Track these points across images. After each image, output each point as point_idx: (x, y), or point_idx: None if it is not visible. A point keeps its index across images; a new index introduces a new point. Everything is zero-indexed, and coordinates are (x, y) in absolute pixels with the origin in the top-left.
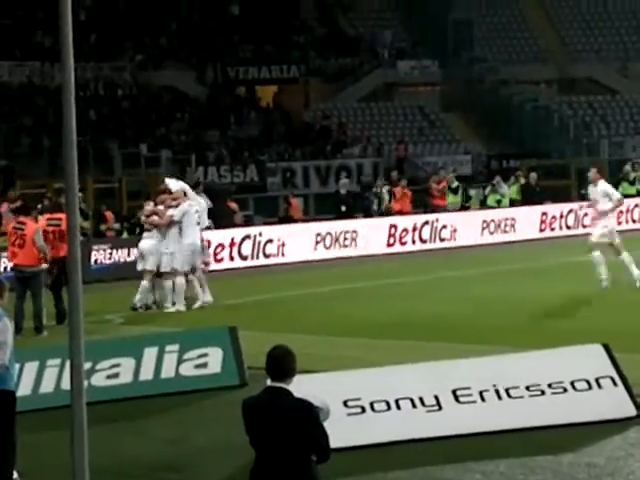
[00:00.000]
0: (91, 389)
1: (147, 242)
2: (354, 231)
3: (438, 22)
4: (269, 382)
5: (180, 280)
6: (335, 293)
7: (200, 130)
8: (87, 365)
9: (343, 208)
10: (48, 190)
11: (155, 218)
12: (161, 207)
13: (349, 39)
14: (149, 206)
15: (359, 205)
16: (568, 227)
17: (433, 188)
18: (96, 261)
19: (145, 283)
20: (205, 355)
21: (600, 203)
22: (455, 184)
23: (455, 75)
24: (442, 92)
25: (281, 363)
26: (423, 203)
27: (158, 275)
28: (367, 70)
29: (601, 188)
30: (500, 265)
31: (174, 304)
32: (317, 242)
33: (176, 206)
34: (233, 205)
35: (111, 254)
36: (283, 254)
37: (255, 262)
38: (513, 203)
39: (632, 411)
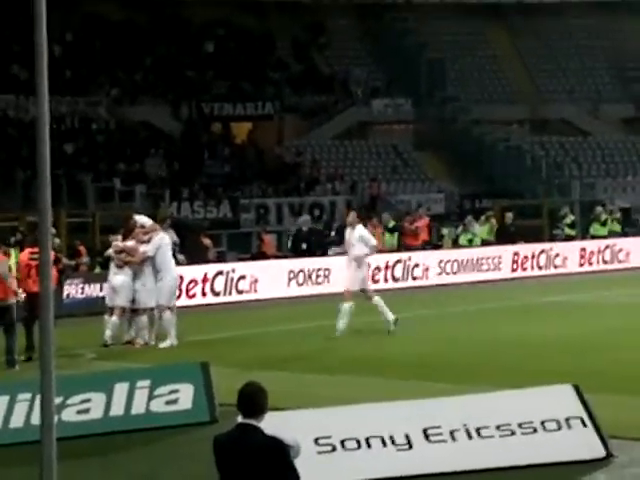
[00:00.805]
0: (61, 424)
1: (118, 278)
2: (327, 268)
3: (412, 61)
4: (240, 419)
5: (168, 314)
6: (308, 330)
7: (174, 166)
8: (58, 400)
9: (304, 246)
10: (20, 223)
11: (123, 255)
12: (130, 243)
13: (324, 76)
14: (117, 241)
15: (320, 242)
16: (540, 267)
17: (406, 227)
18: (68, 295)
19: (115, 319)
20: (176, 391)
21: (356, 248)
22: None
23: (428, 114)
24: (415, 131)
25: (253, 400)
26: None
27: (133, 311)
28: (341, 108)
29: (358, 232)
30: (472, 304)
31: (157, 340)
32: (290, 279)
33: (148, 241)
34: (206, 241)
35: (83, 288)
36: (256, 290)
37: (228, 298)
38: (484, 243)
39: (601, 452)
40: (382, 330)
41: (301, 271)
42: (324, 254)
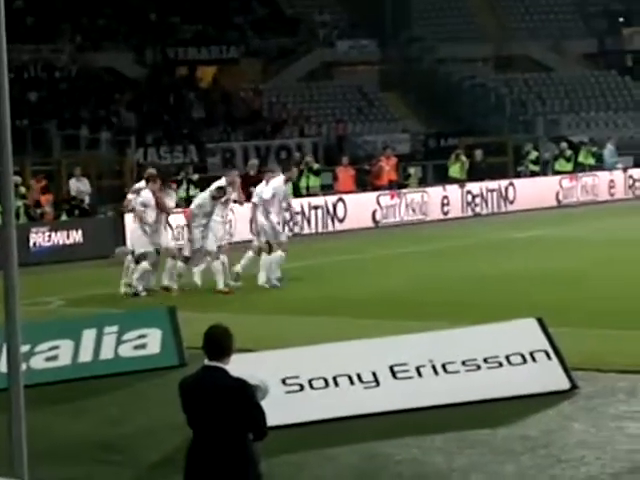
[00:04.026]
0: (30, 372)
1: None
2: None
3: (376, 2)
4: (206, 361)
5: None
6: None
7: (140, 111)
8: (25, 348)
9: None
10: None
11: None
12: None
13: (288, 19)
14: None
15: None
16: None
17: (372, 169)
18: (35, 244)
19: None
20: (144, 336)
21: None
22: (316, 166)
23: (393, 54)
24: (380, 71)
25: (218, 342)
26: (363, 182)
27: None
28: (306, 50)
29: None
30: (436, 242)
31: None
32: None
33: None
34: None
35: (50, 236)
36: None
37: None
38: (455, 180)
39: (566, 384)
40: (345, 271)
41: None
42: None
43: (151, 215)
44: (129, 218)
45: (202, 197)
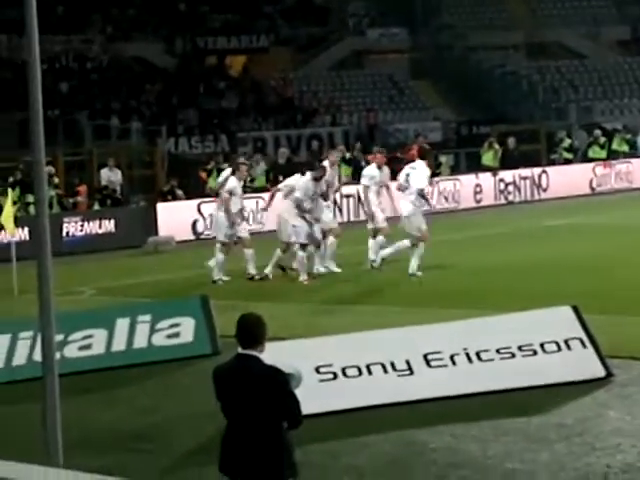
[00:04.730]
0: (63, 361)
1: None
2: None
3: None
4: (240, 350)
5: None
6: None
7: (171, 101)
8: (59, 337)
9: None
10: (18, 163)
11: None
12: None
13: (318, 8)
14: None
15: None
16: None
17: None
18: (67, 234)
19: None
20: (177, 325)
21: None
22: (348, 155)
23: (424, 42)
24: (411, 59)
25: (251, 330)
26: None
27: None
28: (336, 38)
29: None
30: (469, 231)
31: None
32: None
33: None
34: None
35: (82, 226)
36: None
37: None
38: (488, 169)
39: (601, 372)
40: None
41: None
42: None
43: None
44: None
45: (303, 182)
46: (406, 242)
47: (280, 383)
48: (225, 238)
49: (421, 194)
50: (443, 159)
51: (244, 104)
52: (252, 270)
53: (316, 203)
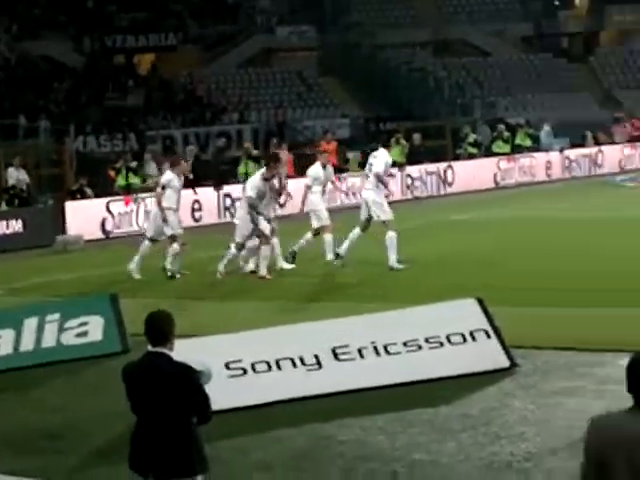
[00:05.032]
0: None
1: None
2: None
3: None
4: (149, 347)
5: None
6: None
7: (79, 100)
8: None
9: (190, 176)
10: None
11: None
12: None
13: (227, 6)
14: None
15: (212, 172)
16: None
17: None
18: None
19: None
20: (86, 323)
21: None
22: (255, 152)
23: (332, 40)
24: (320, 57)
25: (160, 327)
26: (303, 168)
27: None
28: (245, 36)
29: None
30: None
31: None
32: (194, 210)
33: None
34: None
35: None
36: None
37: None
38: (395, 164)
39: (505, 362)
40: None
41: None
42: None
43: None
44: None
45: (253, 182)
46: (357, 231)
47: (190, 380)
48: (154, 234)
49: (379, 178)
50: (351, 155)
51: (152, 102)
52: (171, 265)
53: (268, 202)
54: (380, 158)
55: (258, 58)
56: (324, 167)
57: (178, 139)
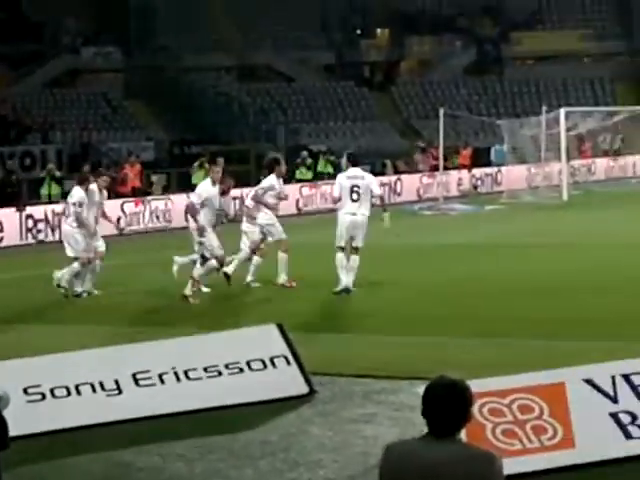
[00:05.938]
0: None
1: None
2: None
3: (121, 9)
4: None
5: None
6: (29, 280)
7: None
8: None
9: None
10: None
11: None
12: None
13: (32, 24)
14: None
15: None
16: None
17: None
18: None
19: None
20: None
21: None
22: (58, 174)
23: (138, 62)
24: (125, 79)
25: None
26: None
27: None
28: (50, 56)
29: None
30: (183, 250)
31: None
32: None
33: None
34: None
35: None
36: None
37: None
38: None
39: (304, 389)
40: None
41: None
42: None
43: None
44: None
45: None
46: (243, 253)
47: None
48: (77, 253)
49: (257, 200)
50: (155, 178)
51: None
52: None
53: (220, 217)
54: (265, 181)
55: (63, 78)
56: (279, 178)
57: None
